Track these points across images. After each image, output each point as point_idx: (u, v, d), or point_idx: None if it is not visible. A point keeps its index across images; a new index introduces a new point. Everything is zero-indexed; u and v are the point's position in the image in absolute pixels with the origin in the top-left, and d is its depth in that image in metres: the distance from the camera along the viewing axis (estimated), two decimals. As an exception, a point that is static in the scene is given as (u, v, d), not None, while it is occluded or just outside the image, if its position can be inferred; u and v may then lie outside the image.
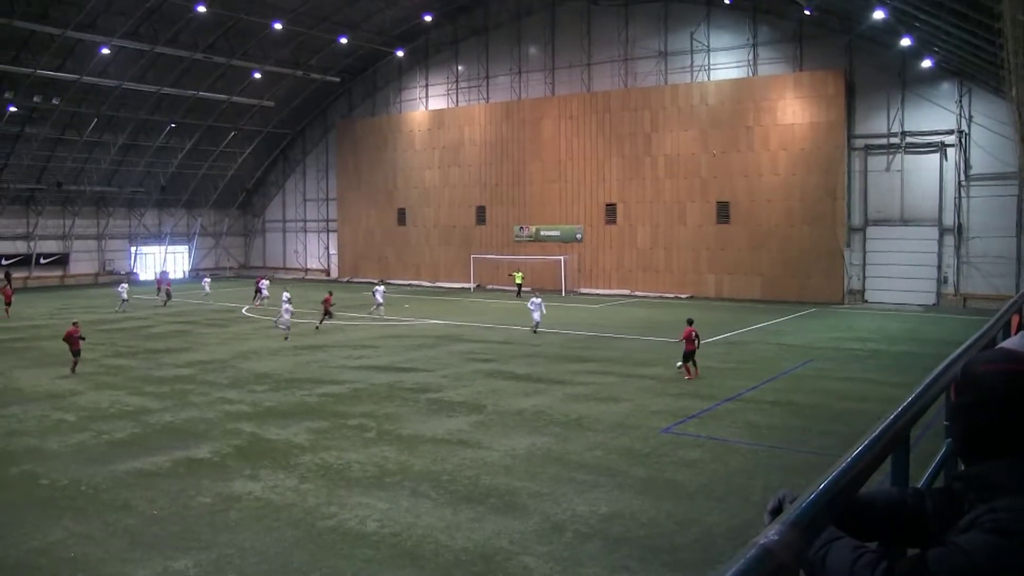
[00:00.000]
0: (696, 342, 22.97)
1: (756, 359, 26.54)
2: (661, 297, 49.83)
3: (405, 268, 63.41)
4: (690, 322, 23.60)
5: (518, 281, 52.37)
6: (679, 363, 23.51)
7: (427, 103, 63.37)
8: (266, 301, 44.96)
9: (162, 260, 71.64)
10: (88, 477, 14.37)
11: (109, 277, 66.49)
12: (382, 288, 39.97)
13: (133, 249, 69.82)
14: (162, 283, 51.22)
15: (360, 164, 66.30)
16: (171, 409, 19.69)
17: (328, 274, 70.89)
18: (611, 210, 52.90)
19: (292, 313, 33.96)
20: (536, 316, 33.04)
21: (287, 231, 76.02)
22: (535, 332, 32.81)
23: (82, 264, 66.39)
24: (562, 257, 53.42)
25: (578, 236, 54.31)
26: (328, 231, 71.96)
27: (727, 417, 18.47)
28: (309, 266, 73.41)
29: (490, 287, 56.42)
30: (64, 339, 25.00)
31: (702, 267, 49.53)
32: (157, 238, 71.56)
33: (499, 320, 37.37)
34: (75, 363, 24.68)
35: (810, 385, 22.24)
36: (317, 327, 34.35)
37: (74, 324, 25.42)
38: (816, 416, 18.62)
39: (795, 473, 14.00)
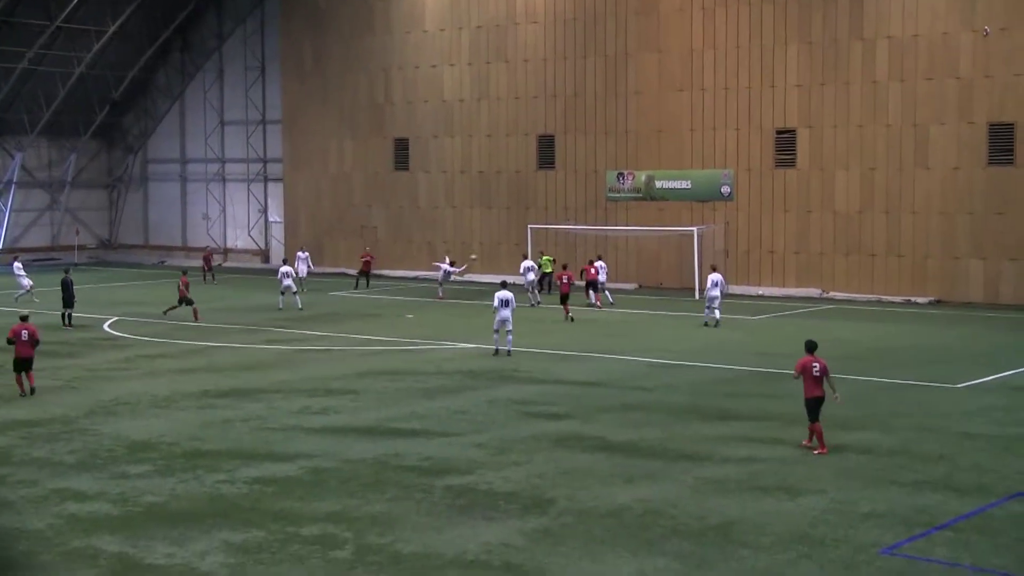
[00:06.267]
0: None
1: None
2: (881, 302, 49.55)
3: (408, 246, 63.87)
4: None
5: (547, 270, 53.74)
6: None
7: (447, -55, 63.71)
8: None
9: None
10: None
11: None
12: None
13: None
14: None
15: (325, 57, 66.89)
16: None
17: (267, 259, 71.51)
18: (786, 142, 52.59)
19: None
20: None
21: (189, 180, 76.97)
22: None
23: None
24: (695, 229, 53.22)
25: (724, 191, 54.13)
26: (266, 180, 72.66)
27: (1009, 529, 18.20)
28: (233, 244, 74.15)
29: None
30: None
31: (960, 247, 48.96)
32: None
33: (580, 344, 37.24)
34: None
35: None
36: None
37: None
38: None
39: None
